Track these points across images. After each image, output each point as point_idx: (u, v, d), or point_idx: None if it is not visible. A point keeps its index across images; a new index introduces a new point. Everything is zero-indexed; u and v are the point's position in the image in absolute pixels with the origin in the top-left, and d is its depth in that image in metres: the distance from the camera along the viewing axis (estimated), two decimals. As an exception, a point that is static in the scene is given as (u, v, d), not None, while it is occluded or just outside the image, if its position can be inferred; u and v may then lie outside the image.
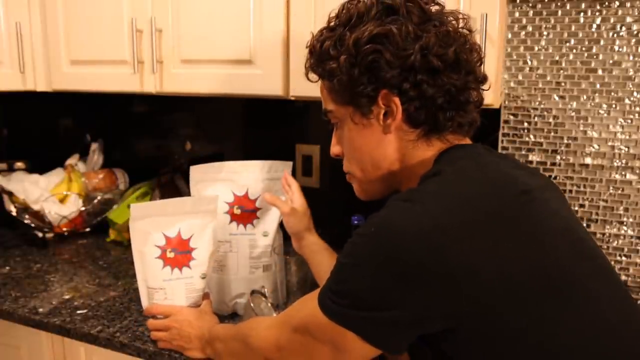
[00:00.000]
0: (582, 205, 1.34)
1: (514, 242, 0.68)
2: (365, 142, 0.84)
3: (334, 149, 0.92)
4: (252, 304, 1.07)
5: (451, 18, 0.82)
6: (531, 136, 1.35)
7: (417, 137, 0.81)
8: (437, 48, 0.77)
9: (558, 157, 1.34)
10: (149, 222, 1.05)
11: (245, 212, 1.17)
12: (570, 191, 1.34)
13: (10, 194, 1.67)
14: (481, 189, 0.72)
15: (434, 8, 0.82)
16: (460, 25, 0.83)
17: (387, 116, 0.81)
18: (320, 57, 0.84)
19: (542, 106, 1.33)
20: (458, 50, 0.79)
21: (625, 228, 1.32)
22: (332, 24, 0.85)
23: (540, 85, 1.33)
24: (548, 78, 1.32)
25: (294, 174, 1.29)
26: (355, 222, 1.37)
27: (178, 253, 1.06)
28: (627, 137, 1.28)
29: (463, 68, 0.80)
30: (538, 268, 0.68)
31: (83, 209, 1.72)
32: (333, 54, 0.82)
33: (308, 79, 0.91)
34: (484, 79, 0.85)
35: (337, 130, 0.90)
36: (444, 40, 0.78)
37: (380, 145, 0.83)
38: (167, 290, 1.06)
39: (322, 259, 1.06)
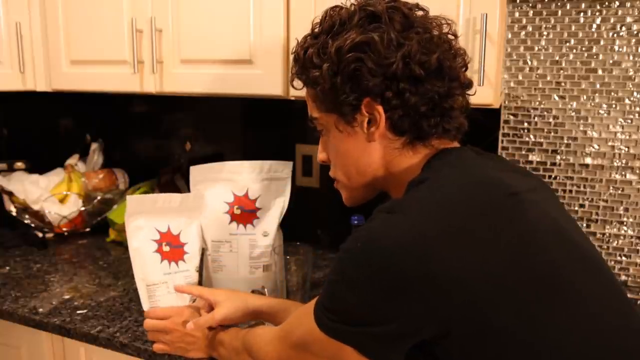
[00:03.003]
0: (582, 205, 1.34)
1: (501, 246, 0.68)
2: (349, 150, 0.84)
3: (320, 156, 0.92)
4: (252, 304, 1.07)
5: (435, 24, 0.81)
6: (531, 136, 1.35)
7: (402, 145, 0.81)
8: (420, 55, 0.76)
9: (558, 157, 1.34)
10: (142, 218, 1.07)
11: (245, 212, 1.17)
12: (570, 191, 1.34)
13: (10, 194, 1.67)
14: (466, 194, 0.72)
15: (418, 14, 0.82)
16: (445, 30, 0.82)
17: (371, 124, 0.80)
18: (304, 64, 0.84)
19: (542, 106, 1.33)
20: (441, 57, 0.78)
21: (625, 228, 1.32)
22: (315, 30, 0.84)
23: (540, 85, 1.33)
24: (548, 78, 1.32)
25: (294, 174, 1.29)
26: (355, 221, 1.37)
27: (172, 247, 1.08)
28: (627, 137, 1.28)
29: (447, 74, 0.79)
30: (527, 271, 0.68)
31: (83, 209, 1.72)
32: (316, 62, 0.81)
33: (292, 86, 0.91)
34: (469, 84, 0.84)
35: (323, 137, 0.90)
36: (427, 47, 0.77)
37: (364, 153, 0.83)
38: (169, 284, 1.07)
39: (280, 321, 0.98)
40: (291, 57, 0.90)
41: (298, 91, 1.23)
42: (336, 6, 0.84)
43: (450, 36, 0.82)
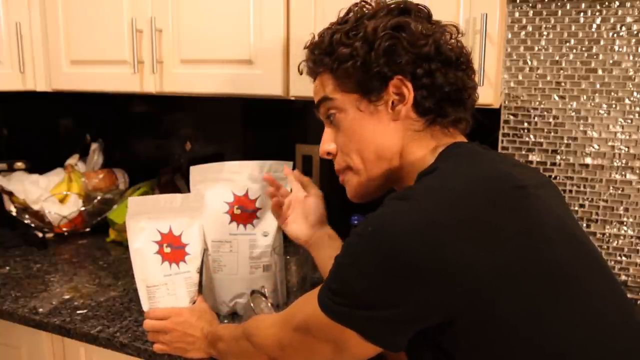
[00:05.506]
0: (582, 205, 1.34)
1: (510, 238, 0.68)
2: (369, 131, 0.85)
3: (327, 147, 0.91)
4: (252, 304, 1.07)
5: (449, 31, 0.87)
6: (531, 136, 1.35)
7: (422, 127, 0.84)
8: (448, 45, 0.84)
9: (558, 157, 1.34)
10: (144, 218, 1.06)
11: (245, 212, 1.17)
12: (570, 191, 1.34)
13: (10, 194, 1.67)
14: (476, 184, 0.73)
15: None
16: (459, 38, 0.88)
17: (398, 102, 0.83)
18: (331, 46, 0.86)
19: (542, 106, 1.33)
20: (465, 52, 0.86)
21: (625, 228, 1.32)
22: (345, 17, 0.88)
23: (540, 85, 1.33)
24: (548, 78, 1.32)
25: (294, 174, 1.28)
26: (355, 221, 1.37)
27: (173, 248, 1.07)
28: (627, 137, 1.28)
29: (468, 69, 0.87)
30: (535, 264, 0.68)
31: (83, 209, 1.72)
32: (347, 41, 0.84)
33: (300, 72, 0.93)
34: (476, 85, 0.90)
35: (332, 126, 0.90)
36: (453, 42, 0.85)
37: (385, 134, 0.84)
38: (169, 286, 1.06)
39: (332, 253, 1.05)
40: (291, 53, 0.91)
41: (298, 91, 1.24)
42: (361, 1, 0.89)
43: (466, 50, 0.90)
